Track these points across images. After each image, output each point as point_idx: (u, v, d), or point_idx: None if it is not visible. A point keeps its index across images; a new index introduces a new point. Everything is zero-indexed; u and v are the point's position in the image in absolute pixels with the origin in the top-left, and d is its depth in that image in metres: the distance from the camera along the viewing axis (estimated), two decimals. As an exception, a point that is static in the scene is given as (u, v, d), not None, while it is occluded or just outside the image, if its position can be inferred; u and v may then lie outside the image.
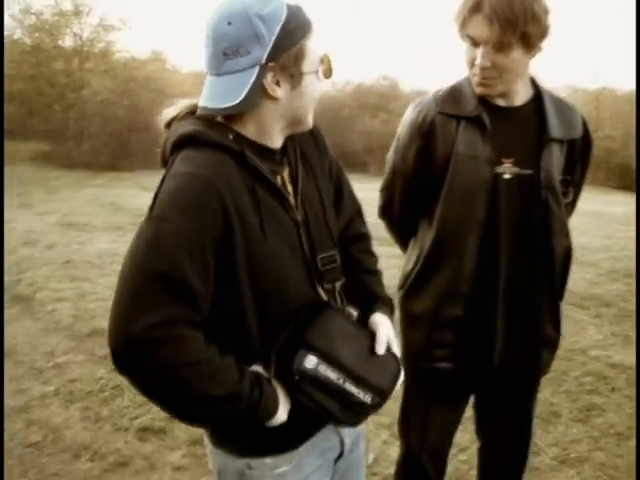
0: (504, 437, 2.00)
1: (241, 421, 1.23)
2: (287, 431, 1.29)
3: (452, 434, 1.98)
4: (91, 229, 8.12)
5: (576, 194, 1.89)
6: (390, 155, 1.86)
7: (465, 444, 2.82)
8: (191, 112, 1.29)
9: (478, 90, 1.68)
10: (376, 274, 1.53)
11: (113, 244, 7.01)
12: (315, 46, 1.24)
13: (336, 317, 1.31)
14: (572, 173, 1.80)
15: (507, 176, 1.69)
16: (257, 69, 1.17)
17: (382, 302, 1.47)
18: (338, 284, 1.38)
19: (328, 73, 1.28)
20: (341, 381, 1.27)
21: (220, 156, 1.19)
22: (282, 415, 1.26)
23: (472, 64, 1.63)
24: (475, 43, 1.60)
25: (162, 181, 1.17)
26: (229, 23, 1.16)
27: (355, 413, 1.32)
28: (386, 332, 1.38)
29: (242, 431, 1.31)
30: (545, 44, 1.62)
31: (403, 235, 1.94)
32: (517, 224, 1.71)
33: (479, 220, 1.69)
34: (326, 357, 1.25)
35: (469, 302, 1.74)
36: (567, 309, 5.04)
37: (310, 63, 1.23)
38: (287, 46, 1.17)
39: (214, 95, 1.21)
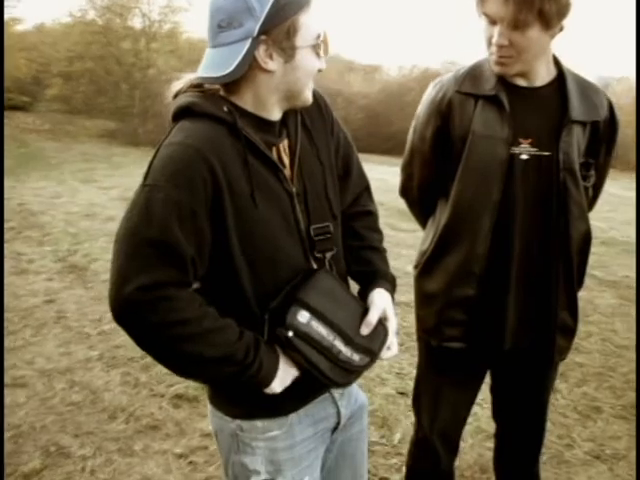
0: (518, 422, 1.98)
1: (236, 383, 1.27)
2: (279, 396, 1.33)
3: (464, 415, 1.98)
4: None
5: (601, 177, 1.84)
6: (410, 134, 1.85)
7: (491, 430, 2.81)
8: (196, 85, 1.33)
9: (495, 69, 1.66)
10: (380, 251, 1.54)
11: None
12: (311, 22, 1.25)
13: (330, 280, 1.35)
14: (595, 156, 1.76)
15: (524, 157, 1.66)
16: (249, 41, 1.20)
17: (383, 278, 1.48)
18: (329, 254, 1.40)
19: (324, 49, 1.29)
20: (331, 338, 1.30)
21: (213, 127, 1.23)
22: (276, 387, 1.29)
23: (490, 43, 1.61)
24: (492, 21, 1.58)
25: (157, 150, 1.22)
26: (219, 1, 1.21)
27: (344, 371, 1.34)
28: (379, 309, 1.39)
29: (234, 393, 1.36)
30: (567, 23, 1.59)
31: (423, 214, 1.94)
32: (533, 206, 1.69)
33: (494, 201, 1.67)
34: (318, 314, 1.29)
35: (481, 283, 1.73)
36: (623, 305, 4.94)
37: (304, 38, 1.24)
38: (279, 20, 1.19)
39: (209, 66, 1.25)
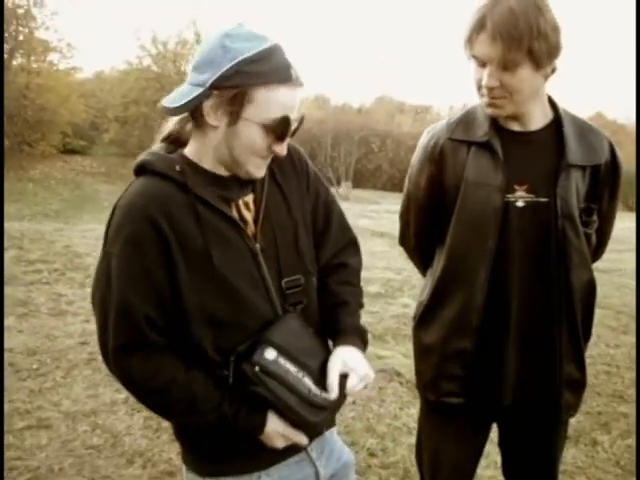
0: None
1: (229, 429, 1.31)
2: (247, 453, 1.33)
3: (468, 471, 1.89)
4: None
5: (606, 223, 1.76)
6: (406, 182, 1.82)
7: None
8: (170, 136, 1.38)
9: (488, 111, 1.61)
10: (348, 304, 1.50)
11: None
12: (275, 102, 1.23)
13: (297, 322, 1.36)
14: (598, 201, 1.68)
15: (520, 204, 1.61)
16: (200, 90, 1.22)
17: (348, 334, 1.44)
18: (299, 307, 1.39)
19: (278, 133, 1.26)
20: (300, 375, 1.30)
21: (163, 184, 1.27)
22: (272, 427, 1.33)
23: (480, 85, 1.57)
24: (481, 63, 1.54)
25: (113, 210, 1.29)
26: (206, 41, 1.27)
27: (314, 407, 1.31)
28: (336, 369, 1.35)
29: (204, 451, 1.37)
30: (559, 64, 1.55)
31: (422, 262, 1.89)
32: (531, 255, 1.63)
33: (489, 250, 1.62)
34: (285, 351, 1.29)
35: (479, 335, 1.67)
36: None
37: (255, 113, 1.23)
38: (232, 82, 1.20)
39: (172, 96, 1.28)
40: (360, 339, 1.46)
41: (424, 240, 1.83)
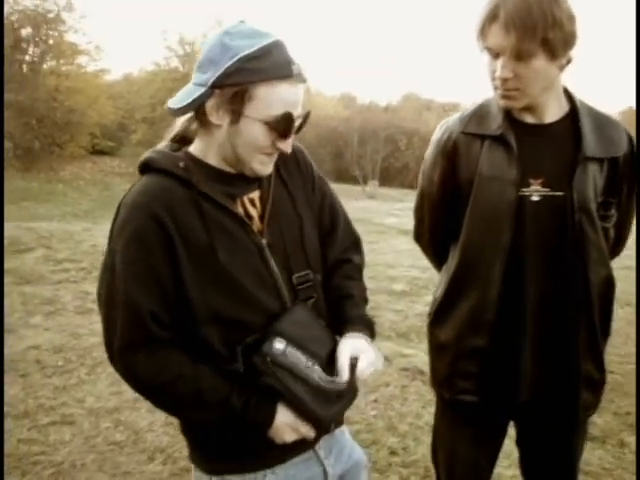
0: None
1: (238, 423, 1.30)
2: (253, 451, 1.33)
3: (484, 471, 1.85)
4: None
5: (625, 217, 1.71)
6: (419, 177, 1.80)
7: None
8: (177, 135, 1.38)
9: (501, 103, 1.58)
10: (353, 297, 1.49)
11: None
12: (276, 99, 1.23)
13: (305, 312, 1.35)
14: (616, 194, 1.64)
15: (535, 198, 1.57)
16: (203, 89, 1.22)
17: (352, 323, 1.44)
18: (310, 302, 1.39)
19: (280, 130, 1.26)
20: (310, 363, 1.29)
21: (167, 181, 1.27)
22: (281, 420, 1.31)
23: (494, 77, 1.53)
24: (495, 54, 1.50)
25: (118, 208, 1.29)
26: (209, 41, 1.26)
27: (324, 400, 1.30)
28: (345, 355, 1.34)
29: (210, 448, 1.37)
30: (574, 54, 1.51)
31: (437, 259, 1.86)
32: (547, 250, 1.59)
33: (504, 245, 1.58)
34: (294, 341, 1.28)
35: (494, 332, 1.63)
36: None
37: (256, 109, 1.23)
38: (233, 80, 1.20)
39: (176, 96, 1.28)
40: (367, 328, 1.45)
41: (438, 236, 1.80)
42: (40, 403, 3.53)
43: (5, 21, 15.42)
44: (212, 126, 1.27)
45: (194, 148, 1.33)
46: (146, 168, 1.31)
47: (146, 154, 1.32)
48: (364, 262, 1.59)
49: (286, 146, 1.29)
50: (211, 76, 1.21)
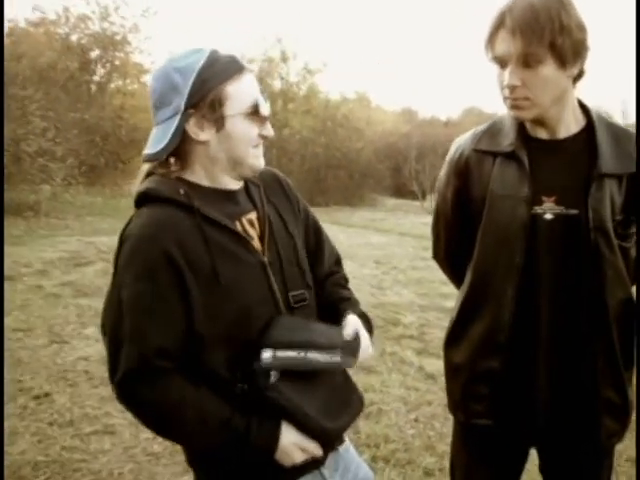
0: None
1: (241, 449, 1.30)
2: (257, 474, 1.34)
3: None
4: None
5: None
6: (435, 195, 1.79)
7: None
8: (159, 167, 1.40)
9: (512, 113, 1.54)
10: (348, 299, 1.55)
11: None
12: (243, 89, 1.29)
13: (289, 318, 1.37)
14: (637, 212, 1.56)
15: (548, 216, 1.53)
16: (178, 117, 1.27)
17: (352, 309, 1.49)
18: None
19: (256, 115, 1.32)
20: (302, 354, 1.29)
21: (170, 210, 1.29)
22: (286, 442, 1.31)
23: (503, 87, 1.50)
24: (503, 63, 1.47)
25: (120, 240, 1.31)
26: (155, 79, 1.31)
27: (330, 410, 1.33)
28: (353, 322, 1.40)
29: (216, 472, 1.38)
30: (586, 66, 1.48)
31: (455, 277, 1.83)
32: (561, 270, 1.54)
33: (516, 265, 1.55)
34: (280, 344, 1.29)
35: (507, 355, 1.59)
36: None
37: (233, 106, 1.28)
38: (203, 93, 1.26)
39: (149, 143, 1.33)
40: (365, 322, 1.47)
41: (454, 254, 1.77)
42: (85, 412, 3.64)
43: (74, 45, 16.14)
44: (198, 146, 1.31)
45: (186, 174, 1.36)
46: (145, 199, 1.33)
47: (143, 185, 1.34)
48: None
49: (268, 131, 1.35)
50: (180, 100, 1.26)
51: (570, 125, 1.57)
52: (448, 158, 1.72)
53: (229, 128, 1.29)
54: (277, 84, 20.23)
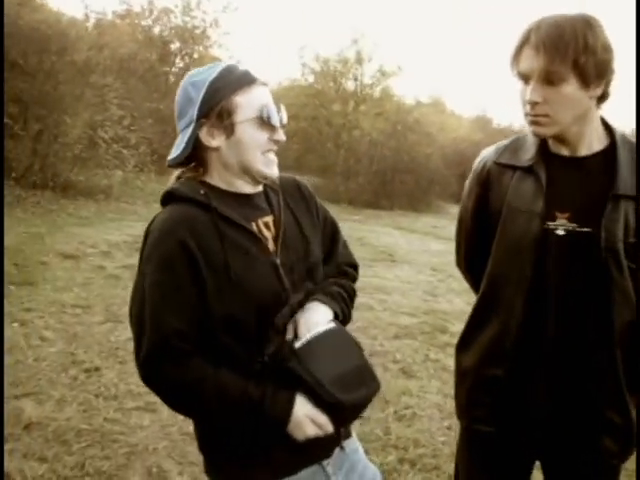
0: None
1: (255, 421, 1.39)
2: (265, 461, 1.43)
3: None
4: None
5: None
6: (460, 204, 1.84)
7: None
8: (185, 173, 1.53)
9: (531, 129, 1.56)
10: (334, 284, 1.59)
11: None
12: (251, 98, 1.40)
13: (345, 331, 1.50)
14: None
15: (560, 232, 1.54)
16: (192, 126, 1.39)
17: (319, 293, 1.53)
18: None
19: (268, 121, 1.41)
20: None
21: (190, 208, 1.41)
22: (299, 414, 1.38)
23: (525, 103, 1.52)
24: (526, 79, 1.50)
25: (146, 235, 1.43)
26: (178, 93, 1.45)
27: (345, 385, 1.39)
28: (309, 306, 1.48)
29: (223, 460, 1.48)
30: (612, 88, 1.50)
31: (474, 286, 1.85)
32: (569, 287, 1.55)
33: (526, 278, 1.57)
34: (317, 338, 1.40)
35: (512, 364, 1.62)
36: None
37: (243, 114, 1.39)
38: (213, 103, 1.38)
39: (172, 150, 1.46)
40: (324, 294, 1.53)
41: (473, 263, 1.81)
42: (130, 389, 3.82)
43: (155, 37, 16.70)
44: (212, 153, 1.43)
45: (207, 178, 1.47)
46: (169, 198, 1.45)
47: (168, 187, 1.47)
48: (356, 280, 1.69)
49: (280, 135, 1.44)
50: (192, 112, 1.39)
51: (592, 144, 1.58)
52: (473, 169, 1.76)
53: (238, 134, 1.41)
54: (350, 85, 20.30)
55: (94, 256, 7.22)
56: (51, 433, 3.21)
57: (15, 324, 4.78)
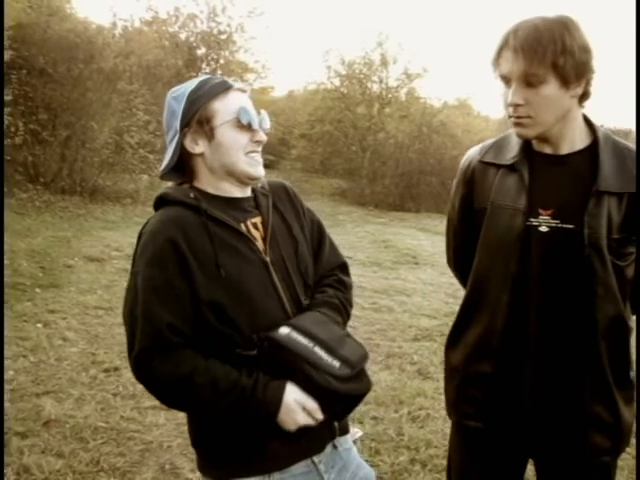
0: None
1: (244, 413, 1.43)
2: (258, 455, 1.47)
3: None
4: (351, 262, 8.73)
5: None
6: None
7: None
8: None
9: (515, 131, 1.60)
10: (326, 302, 1.61)
11: (360, 278, 7.34)
12: (228, 103, 1.48)
13: (318, 314, 1.53)
14: (636, 231, 1.56)
15: (543, 229, 1.57)
16: (177, 136, 1.48)
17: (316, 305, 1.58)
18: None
19: (246, 122, 1.47)
20: (311, 345, 1.42)
21: (180, 210, 1.48)
22: (290, 402, 1.42)
23: (507, 104, 1.55)
24: (507, 81, 1.53)
25: (139, 237, 1.50)
26: (164, 109, 1.53)
27: (326, 376, 1.40)
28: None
29: (216, 456, 1.52)
30: (592, 88, 1.52)
31: (464, 284, 1.87)
32: (553, 283, 1.57)
33: (511, 275, 1.60)
34: (298, 328, 1.44)
35: (499, 360, 1.64)
36: None
37: (222, 118, 1.46)
38: (192, 112, 1.46)
39: (162, 163, 1.54)
40: (326, 306, 1.58)
41: (462, 261, 1.83)
42: (147, 388, 3.90)
43: (181, 43, 16.91)
44: (198, 159, 1.50)
45: (196, 184, 1.54)
46: (161, 202, 1.53)
47: (160, 191, 1.55)
48: (351, 283, 1.72)
49: (260, 136, 1.50)
50: (176, 123, 1.48)
51: (574, 142, 1.60)
52: (459, 168, 1.79)
53: (218, 137, 1.48)
54: (376, 88, 20.27)
55: (118, 259, 7.36)
56: (69, 430, 3.31)
57: (39, 325, 4.92)
